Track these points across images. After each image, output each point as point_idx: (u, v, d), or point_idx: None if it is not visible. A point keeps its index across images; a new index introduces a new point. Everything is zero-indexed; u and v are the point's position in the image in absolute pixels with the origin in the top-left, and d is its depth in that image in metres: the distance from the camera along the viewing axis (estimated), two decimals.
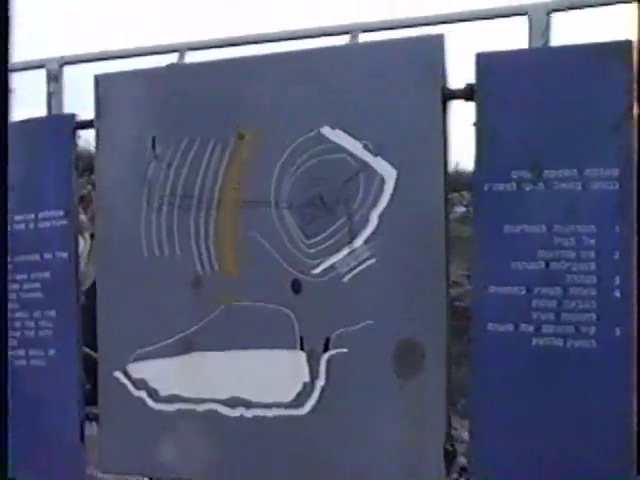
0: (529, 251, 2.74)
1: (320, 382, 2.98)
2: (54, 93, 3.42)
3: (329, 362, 2.96)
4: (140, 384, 3.22)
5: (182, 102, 3.15)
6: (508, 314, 2.75)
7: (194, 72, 3.20)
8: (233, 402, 3.09)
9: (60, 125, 3.35)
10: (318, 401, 2.97)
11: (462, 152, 3.01)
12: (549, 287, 2.73)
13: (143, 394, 3.22)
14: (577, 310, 2.71)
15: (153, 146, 3.18)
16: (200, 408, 3.14)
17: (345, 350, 2.93)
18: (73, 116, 3.39)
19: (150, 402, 3.20)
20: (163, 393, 3.19)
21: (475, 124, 2.91)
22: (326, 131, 2.98)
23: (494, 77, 2.82)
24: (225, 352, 3.09)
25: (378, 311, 2.89)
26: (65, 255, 3.29)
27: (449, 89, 2.85)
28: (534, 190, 2.74)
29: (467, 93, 2.82)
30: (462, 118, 2.97)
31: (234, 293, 3.07)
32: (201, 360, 3.15)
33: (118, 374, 3.24)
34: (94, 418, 3.32)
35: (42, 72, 3.57)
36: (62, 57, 3.50)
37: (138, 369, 3.22)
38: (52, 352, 3.31)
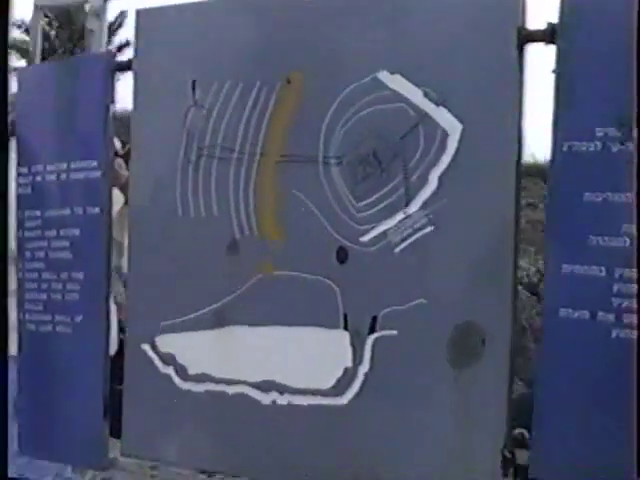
0: (612, 224, 2.48)
1: (364, 368, 2.79)
2: (94, 31, 3.45)
3: (375, 345, 2.77)
4: (168, 359, 3.10)
5: (227, 41, 3.01)
6: (584, 299, 2.52)
7: (242, 6, 3.05)
8: (266, 386, 2.93)
9: (96, 65, 3.25)
10: (360, 390, 2.79)
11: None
12: (634, 269, 2.57)
13: (171, 371, 3.08)
14: None
15: (193, 90, 3.04)
16: (231, 390, 2.99)
17: (394, 332, 2.74)
18: (112, 55, 3.31)
19: (178, 380, 3.06)
20: (192, 371, 3.05)
21: (555, 71, 2.78)
22: (383, 76, 2.77)
23: (582, 16, 2.57)
24: (259, 328, 2.93)
25: (433, 289, 2.70)
26: (97, 210, 3.19)
27: (527, 30, 2.62)
28: (622, 151, 2.48)
29: (548, 35, 2.59)
30: (541, 64, 2.87)
31: (272, 260, 2.90)
32: (234, 336, 2.97)
33: (145, 347, 3.13)
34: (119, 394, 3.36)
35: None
36: None
37: (167, 342, 3.10)
38: (79, 318, 3.24)
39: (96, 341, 3.20)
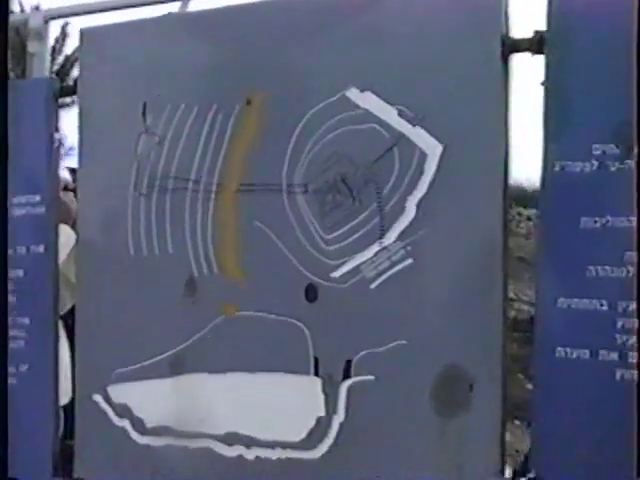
0: (613, 253, 2.15)
1: (338, 418, 2.40)
2: (36, 55, 3.07)
3: (350, 392, 2.39)
4: (123, 411, 2.70)
5: (180, 60, 2.63)
6: (583, 336, 2.17)
7: (194, 22, 2.69)
8: (231, 439, 2.54)
9: (38, 91, 2.87)
10: (335, 442, 2.41)
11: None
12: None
13: (126, 424, 2.70)
14: None
15: (144, 114, 2.67)
16: (193, 445, 2.60)
17: (371, 378, 2.37)
18: (55, 80, 2.95)
19: (134, 435, 2.67)
20: (150, 424, 2.66)
21: (544, 84, 2.44)
22: (352, 94, 2.41)
23: (573, 22, 2.25)
24: (222, 375, 2.53)
25: (414, 329, 2.33)
26: (41, 249, 2.81)
27: (512, 38, 2.28)
28: (622, 170, 2.15)
29: (535, 44, 2.25)
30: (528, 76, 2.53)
31: (235, 300, 2.52)
32: (194, 384, 2.58)
33: (97, 397, 2.73)
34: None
35: None
36: (47, 10, 3.17)
37: (120, 392, 2.70)
38: (24, 368, 2.85)
39: (43, 392, 2.82)
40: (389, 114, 2.39)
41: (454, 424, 2.32)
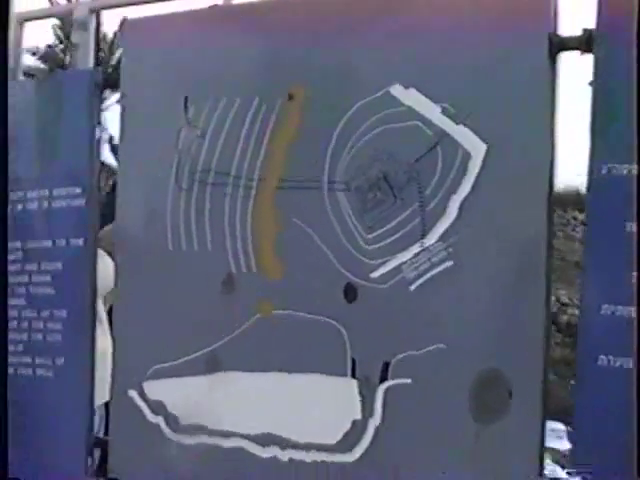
0: None
1: (375, 421, 2.39)
2: (79, 45, 3.10)
3: (387, 395, 2.38)
4: (158, 408, 2.70)
5: (223, 52, 2.63)
6: (628, 344, 2.13)
7: (238, 15, 2.69)
8: (265, 439, 2.53)
9: (81, 82, 2.88)
10: (370, 446, 2.39)
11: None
12: None
13: (161, 421, 2.69)
14: None
15: (185, 108, 2.67)
16: (226, 444, 2.60)
17: (408, 381, 2.35)
18: (98, 71, 2.93)
19: (168, 431, 2.67)
20: (184, 422, 2.66)
21: (592, 84, 2.42)
22: (396, 91, 2.39)
23: (623, 20, 2.18)
24: (257, 374, 2.53)
25: (453, 332, 2.31)
26: (80, 242, 2.83)
27: (560, 36, 2.24)
28: None
29: (584, 42, 2.22)
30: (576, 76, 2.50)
31: (272, 299, 2.51)
32: (230, 383, 2.58)
33: (133, 393, 2.73)
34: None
35: None
36: (92, 1, 3.19)
37: (156, 389, 2.70)
38: (60, 361, 2.86)
39: (80, 387, 2.85)
40: (433, 112, 2.37)
41: (492, 430, 2.28)
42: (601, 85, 2.21)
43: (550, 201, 2.25)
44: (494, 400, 2.28)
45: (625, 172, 2.16)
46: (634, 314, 2.15)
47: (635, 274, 2.14)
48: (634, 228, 2.15)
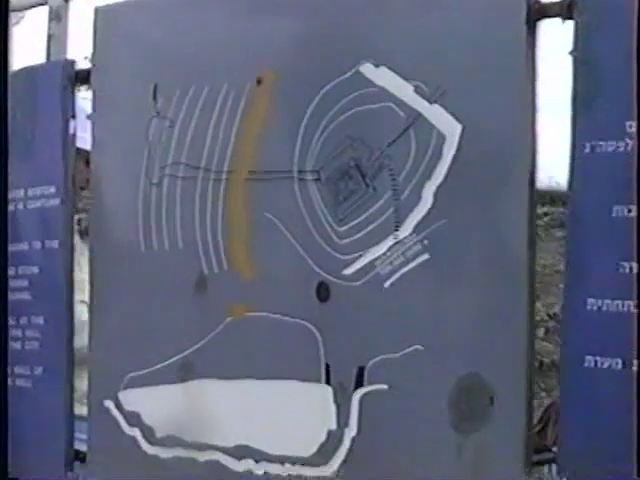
0: None
1: (350, 432, 2.25)
2: (55, 36, 3.05)
3: (363, 403, 2.25)
4: (134, 419, 2.61)
5: (192, 38, 2.55)
6: (616, 343, 1.98)
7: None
8: (240, 452, 2.41)
9: (54, 75, 2.82)
10: (347, 459, 2.27)
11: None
12: None
13: (137, 433, 2.60)
14: None
15: (155, 97, 2.58)
16: (202, 457, 2.49)
17: (384, 387, 2.23)
18: (72, 63, 2.86)
19: (144, 445, 2.59)
20: (159, 433, 2.57)
21: (573, 53, 2.29)
22: (366, 69, 2.30)
23: None
24: (231, 382, 2.43)
25: (430, 333, 2.18)
26: (55, 244, 2.78)
27: (539, 2, 2.09)
28: None
29: (565, 8, 2.05)
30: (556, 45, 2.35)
31: (245, 300, 2.41)
32: (203, 391, 2.46)
33: (109, 403, 2.66)
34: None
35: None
36: None
37: (132, 399, 2.62)
38: (38, 371, 2.81)
39: (58, 397, 2.79)
40: (405, 91, 2.25)
41: (473, 439, 2.16)
42: (583, 54, 2.07)
43: (533, 185, 2.11)
44: (475, 408, 2.17)
45: (611, 150, 2.02)
46: (623, 308, 2.02)
47: (626, 264, 2.03)
48: (623, 212, 2.02)
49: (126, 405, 2.64)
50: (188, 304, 2.52)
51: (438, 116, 2.17)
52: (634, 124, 1.98)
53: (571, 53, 2.07)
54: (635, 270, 1.97)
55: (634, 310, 1.98)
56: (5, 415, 2.52)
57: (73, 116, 2.77)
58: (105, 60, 2.72)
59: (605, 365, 2.00)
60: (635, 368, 1.97)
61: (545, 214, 10.52)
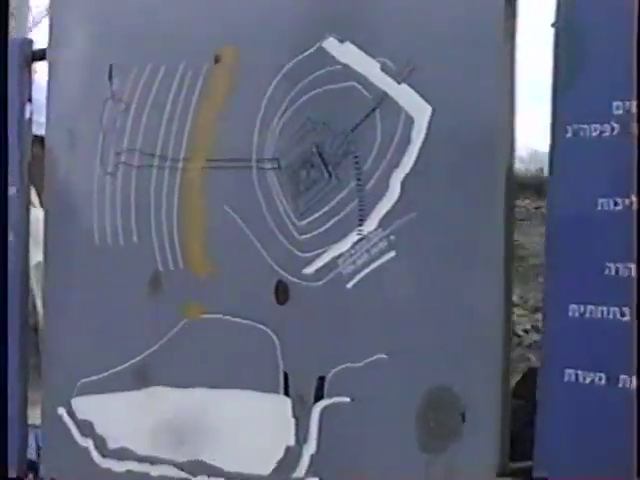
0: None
1: (310, 448, 2.01)
2: (17, 13, 2.84)
3: (323, 417, 2.00)
4: (86, 429, 2.39)
5: (149, 13, 2.31)
6: (600, 355, 1.72)
7: None
8: (194, 467, 2.18)
9: (11, 54, 2.54)
10: (305, 477, 2.03)
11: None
12: None
13: (90, 444, 2.38)
14: None
15: (110, 78, 2.34)
16: (155, 472, 2.26)
17: (346, 400, 1.98)
18: (30, 42, 2.62)
19: (97, 456, 2.36)
20: (112, 445, 2.34)
21: (555, 25, 2.03)
22: (330, 45, 2.05)
23: None
24: (185, 390, 2.19)
25: (396, 340, 1.92)
26: (11, 237, 2.53)
27: None
28: None
29: None
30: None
31: (201, 300, 2.18)
32: (156, 400, 2.23)
33: (62, 411, 2.44)
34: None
35: None
36: None
37: (84, 407, 2.39)
38: None
39: (10, 406, 2.53)
40: (371, 69, 2.00)
41: (443, 458, 1.91)
42: (565, 25, 1.81)
43: (511, 172, 1.86)
44: (445, 424, 1.91)
45: (595, 135, 1.76)
46: (608, 315, 1.76)
47: (612, 265, 1.77)
48: (609, 206, 1.76)
49: (79, 413, 2.41)
50: (142, 304, 2.29)
51: (406, 97, 1.91)
52: (621, 105, 1.74)
53: (553, 25, 1.82)
54: (624, 273, 1.73)
55: (620, 318, 1.74)
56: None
57: (29, 99, 2.55)
58: (60, 39, 2.50)
59: (587, 380, 1.75)
60: (621, 385, 1.73)
61: (537, 208, 10.07)
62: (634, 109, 1.71)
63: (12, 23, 2.80)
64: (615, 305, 1.71)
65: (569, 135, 1.77)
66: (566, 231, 1.78)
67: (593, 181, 1.75)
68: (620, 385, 1.72)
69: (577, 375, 1.76)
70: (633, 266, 1.71)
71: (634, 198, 1.71)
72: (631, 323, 1.70)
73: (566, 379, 1.76)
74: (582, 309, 1.75)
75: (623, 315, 1.71)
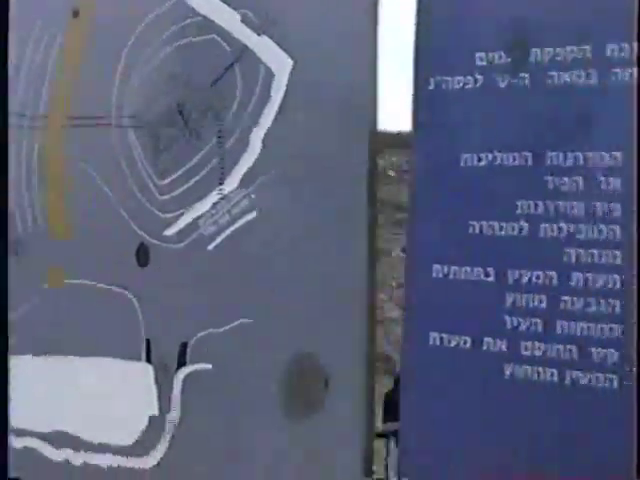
0: (504, 202, 1.58)
1: (172, 418, 1.89)
2: None
3: (186, 384, 1.89)
4: None
5: None
6: (464, 318, 1.63)
7: None
8: (58, 439, 2.06)
9: None
10: (169, 448, 1.91)
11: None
12: (538, 271, 1.59)
13: None
14: (589, 316, 1.56)
15: None
16: (18, 444, 2.12)
17: (209, 366, 1.88)
18: None
19: None
20: None
21: None
22: None
23: None
24: (48, 358, 2.07)
25: (259, 304, 1.80)
26: None
27: None
28: (514, 87, 1.59)
29: None
30: None
31: (62, 264, 2.05)
32: (19, 368, 2.16)
33: None
34: None
35: None
36: None
37: None
38: None
39: None
40: (232, 21, 1.89)
41: (306, 425, 1.83)
42: None
43: (374, 127, 1.76)
44: (308, 391, 1.81)
45: (458, 87, 1.66)
46: (473, 276, 1.66)
47: (476, 224, 1.67)
48: (473, 162, 1.65)
49: None
50: (9, 267, 2.15)
51: (267, 50, 1.79)
52: (484, 56, 1.64)
53: None
54: (488, 231, 1.63)
55: (485, 278, 1.64)
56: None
57: None
58: None
59: (452, 343, 1.66)
60: (485, 348, 1.64)
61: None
62: (499, 60, 1.62)
63: None
64: (479, 265, 1.63)
65: (431, 87, 1.67)
66: (429, 187, 1.69)
67: (456, 136, 1.65)
68: (484, 348, 1.64)
69: (442, 338, 1.67)
70: (496, 224, 1.63)
71: (497, 153, 1.64)
72: (496, 283, 1.63)
73: (430, 343, 1.68)
74: (446, 270, 1.66)
75: (487, 275, 1.63)
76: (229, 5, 1.83)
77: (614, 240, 1.50)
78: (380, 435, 1.97)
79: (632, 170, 1.50)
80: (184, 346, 1.89)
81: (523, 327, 1.57)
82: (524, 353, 1.57)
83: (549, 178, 1.55)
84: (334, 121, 1.74)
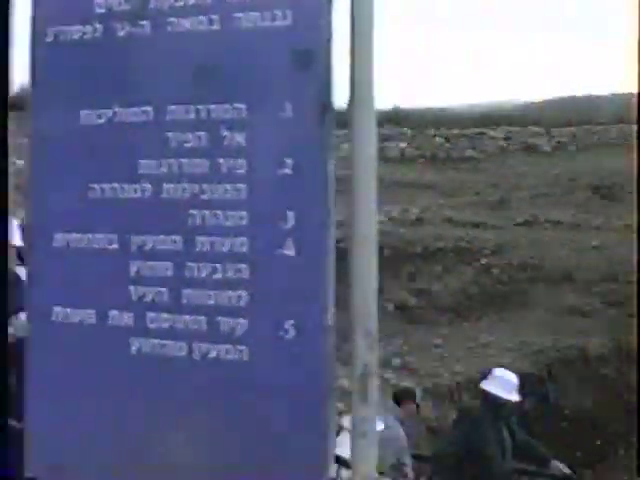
0: (124, 161, 1.43)
1: None
2: None
3: None
4: None
5: None
6: (88, 291, 1.46)
7: None
8: None
9: None
10: None
11: None
12: (162, 235, 1.41)
13: None
14: (216, 284, 1.41)
15: None
16: None
17: None
18: None
19: None
20: None
21: None
22: None
23: None
24: None
25: None
26: None
27: None
28: (134, 35, 1.42)
29: None
30: None
31: None
32: None
33: None
34: None
35: None
36: None
37: None
38: None
39: None
40: None
41: None
42: None
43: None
44: None
45: (77, 38, 1.47)
46: (96, 244, 1.47)
47: (97, 187, 1.47)
48: (92, 119, 1.45)
49: None
50: None
51: None
52: (103, 2, 1.46)
53: None
54: (111, 194, 1.45)
55: (108, 246, 1.46)
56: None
57: None
58: None
59: (77, 319, 1.48)
60: (111, 322, 1.46)
61: None
62: (119, 6, 1.45)
63: None
64: (102, 232, 1.45)
65: (49, 39, 1.49)
66: (49, 149, 1.51)
67: (75, 92, 1.48)
68: (110, 322, 1.47)
69: (66, 314, 1.49)
70: (117, 186, 1.45)
71: (118, 109, 1.47)
72: (120, 251, 1.45)
73: (53, 318, 1.50)
74: (67, 238, 1.48)
75: (111, 243, 1.45)
76: None
77: (239, 200, 1.36)
78: None
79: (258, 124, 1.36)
80: None
81: (149, 298, 1.41)
82: (151, 326, 1.41)
83: (171, 134, 1.40)
84: None
